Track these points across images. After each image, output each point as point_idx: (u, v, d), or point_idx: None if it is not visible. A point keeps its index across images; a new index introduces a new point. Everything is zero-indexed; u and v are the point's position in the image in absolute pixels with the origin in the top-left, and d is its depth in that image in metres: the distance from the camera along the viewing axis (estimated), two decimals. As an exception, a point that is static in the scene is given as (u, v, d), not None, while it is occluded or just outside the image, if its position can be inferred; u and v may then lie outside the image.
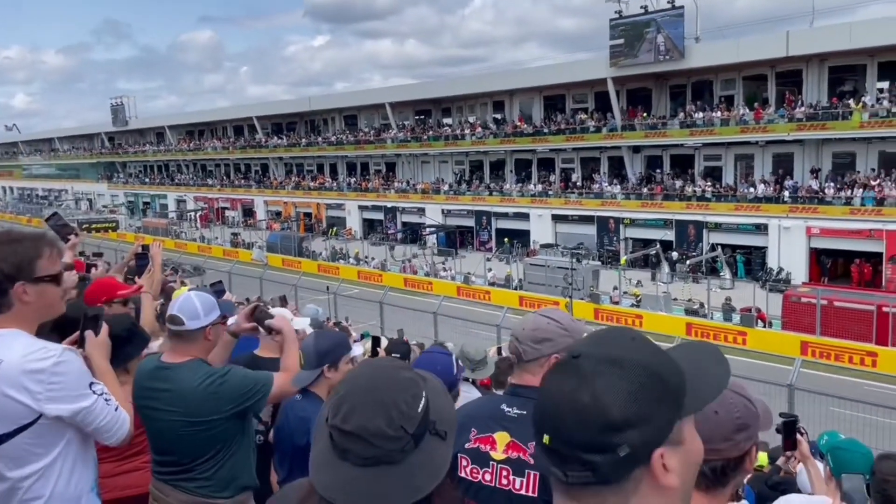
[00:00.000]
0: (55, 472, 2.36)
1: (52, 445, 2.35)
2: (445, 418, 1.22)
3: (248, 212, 62.59)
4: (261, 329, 3.23)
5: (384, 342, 5.51)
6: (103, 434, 2.45)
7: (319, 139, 58.30)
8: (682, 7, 35.83)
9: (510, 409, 2.16)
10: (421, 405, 1.17)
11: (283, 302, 5.48)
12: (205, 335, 2.93)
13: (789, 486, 4.17)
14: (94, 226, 50.85)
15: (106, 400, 2.42)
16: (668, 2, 36.31)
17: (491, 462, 2.12)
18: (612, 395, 0.98)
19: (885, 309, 22.04)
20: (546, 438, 1.00)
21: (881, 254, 30.07)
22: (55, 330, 2.91)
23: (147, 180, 77.29)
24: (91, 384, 2.39)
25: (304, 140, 59.64)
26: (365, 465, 1.13)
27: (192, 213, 64.30)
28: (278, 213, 59.46)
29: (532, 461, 2.06)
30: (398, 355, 4.86)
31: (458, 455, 2.16)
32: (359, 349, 5.28)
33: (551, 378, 1.04)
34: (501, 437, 2.13)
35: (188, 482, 2.86)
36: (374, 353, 4.74)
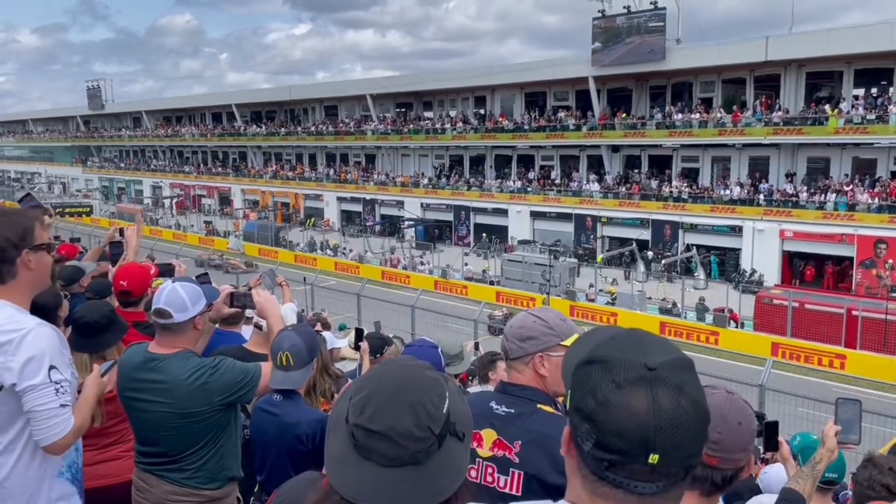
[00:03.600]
0: (17, 449, 2.35)
1: (14, 420, 2.34)
2: (463, 420, 1.21)
3: (225, 200, 62.03)
4: (256, 324, 3.16)
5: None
6: (36, 424, 2.34)
7: (299, 129, 57.89)
8: (664, 9, 36.07)
9: (499, 407, 2.15)
10: (446, 406, 1.16)
11: (273, 276, 5.45)
12: (193, 325, 2.89)
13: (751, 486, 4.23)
14: (67, 210, 50.13)
15: (57, 391, 2.34)
16: (651, 2, 36.53)
17: (477, 459, 2.12)
18: (702, 397, 1.03)
19: (854, 312, 22.44)
20: (654, 458, 0.99)
21: (852, 258, 30.59)
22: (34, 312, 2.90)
23: (122, 165, 76.24)
24: (52, 368, 2.34)
25: (283, 129, 59.18)
26: (390, 465, 1.11)
27: (168, 200, 63.58)
28: (256, 202, 59.00)
29: (517, 460, 2.06)
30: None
31: None
32: (342, 342, 5.26)
33: (636, 398, 1.01)
34: (488, 435, 2.12)
35: (175, 473, 2.83)
36: (358, 346, 4.74)
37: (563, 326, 2.18)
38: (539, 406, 2.11)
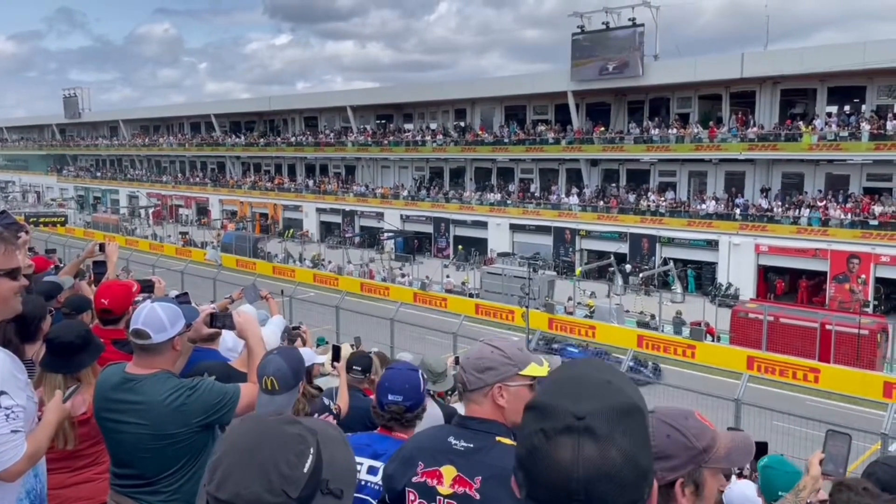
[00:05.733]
0: None
1: None
2: (342, 475, 1.13)
3: (203, 210, 61.56)
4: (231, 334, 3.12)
5: (343, 350, 5.46)
6: None
7: (278, 139, 57.74)
8: (642, 25, 36.54)
9: (457, 442, 2.11)
10: (308, 464, 1.07)
11: (255, 290, 5.46)
12: (172, 346, 2.86)
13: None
14: (42, 220, 49.48)
15: (7, 417, 2.30)
16: (630, 19, 36.99)
17: (438, 497, 2.09)
18: (636, 447, 0.98)
19: (827, 327, 22.74)
20: None
21: (825, 272, 31.04)
22: (13, 322, 2.90)
23: (99, 174, 75.44)
24: (2, 394, 2.29)
25: (262, 140, 58.97)
26: None
27: (145, 210, 62.96)
28: (234, 213, 58.62)
29: (478, 496, 2.03)
30: (359, 368, 4.80)
31: (406, 489, 2.14)
32: (320, 358, 5.21)
33: (561, 449, 0.98)
34: (448, 471, 2.09)
35: (151, 495, 2.79)
36: (334, 365, 4.70)
37: (521, 356, 2.15)
38: (498, 439, 2.07)
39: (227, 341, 4.27)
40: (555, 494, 0.96)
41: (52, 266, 6.21)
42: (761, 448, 3.33)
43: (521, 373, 2.11)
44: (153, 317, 2.79)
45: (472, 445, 2.09)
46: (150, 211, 62.41)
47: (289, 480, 1.04)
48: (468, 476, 2.05)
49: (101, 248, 5.32)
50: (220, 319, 3.17)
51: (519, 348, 2.19)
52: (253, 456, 1.05)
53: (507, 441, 2.08)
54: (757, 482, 3.72)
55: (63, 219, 56.06)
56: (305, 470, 1.06)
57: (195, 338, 3.19)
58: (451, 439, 2.12)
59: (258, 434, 1.09)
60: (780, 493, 3.32)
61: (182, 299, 3.66)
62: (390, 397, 2.88)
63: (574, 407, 0.99)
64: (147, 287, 4.44)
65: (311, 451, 1.09)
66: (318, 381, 5.28)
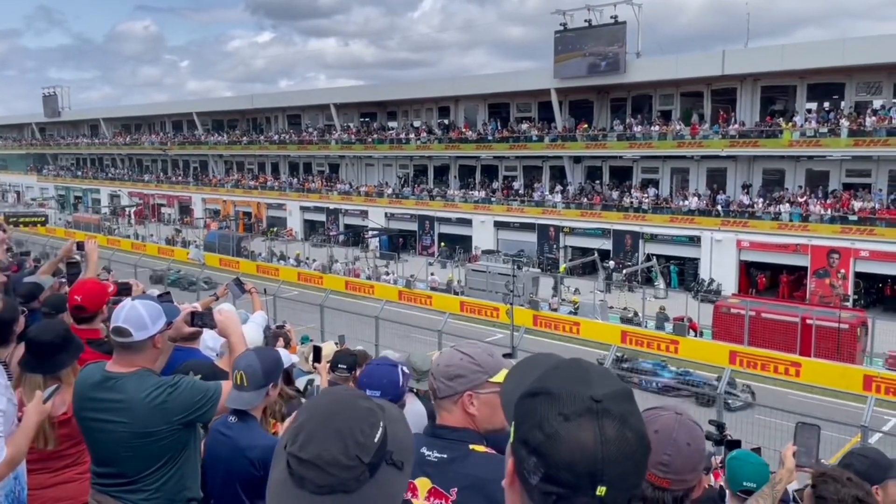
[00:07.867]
0: None
1: None
2: (403, 448, 1.22)
3: (186, 209, 61.15)
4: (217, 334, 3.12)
5: (327, 348, 5.45)
6: None
7: (262, 138, 57.44)
8: (624, 22, 36.70)
9: (430, 453, 2.06)
10: (378, 435, 1.17)
11: (239, 286, 5.40)
12: (153, 343, 2.85)
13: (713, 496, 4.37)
14: (21, 219, 48.94)
15: None
16: (611, 17, 37.15)
17: None
18: (643, 427, 1.06)
19: (808, 321, 22.97)
20: (602, 491, 1.00)
21: (806, 268, 31.37)
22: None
23: (79, 174, 74.70)
24: None
25: (245, 138, 58.64)
26: (320, 493, 1.13)
27: (127, 209, 62.46)
28: (217, 212, 58.27)
29: None
30: (344, 366, 4.80)
31: None
32: (294, 357, 5.21)
33: (583, 431, 1.01)
34: (423, 484, 2.03)
35: (133, 494, 2.78)
36: (314, 365, 4.69)
37: (491, 362, 2.11)
38: (471, 447, 2.03)
39: (207, 340, 4.26)
40: (577, 476, 1.00)
41: (32, 265, 6.17)
42: (734, 445, 3.39)
43: (491, 380, 2.06)
44: (134, 314, 2.79)
45: (445, 456, 2.04)
46: (132, 210, 61.93)
47: (362, 447, 1.14)
48: (444, 488, 2.00)
49: (80, 246, 5.25)
50: (201, 318, 3.17)
51: (490, 354, 2.15)
52: (332, 423, 1.17)
53: (481, 449, 2.05)
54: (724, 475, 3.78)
55: (43, 218, 55.49)
56: (376, 440, 1.16)
57: (175, 336, 3.18)
58: (424, 450, 2.06)
59: (337, 405, 1.21)
60: (744, 483, 3.38)
61: (164, 298, 3.65)
62: (368, 392, 2.89)
63: (590, 390, 1.04)
64: (124, 290, 4.40)
65: (381, 423, 1.19)
66: (302, 380, 5.28)
